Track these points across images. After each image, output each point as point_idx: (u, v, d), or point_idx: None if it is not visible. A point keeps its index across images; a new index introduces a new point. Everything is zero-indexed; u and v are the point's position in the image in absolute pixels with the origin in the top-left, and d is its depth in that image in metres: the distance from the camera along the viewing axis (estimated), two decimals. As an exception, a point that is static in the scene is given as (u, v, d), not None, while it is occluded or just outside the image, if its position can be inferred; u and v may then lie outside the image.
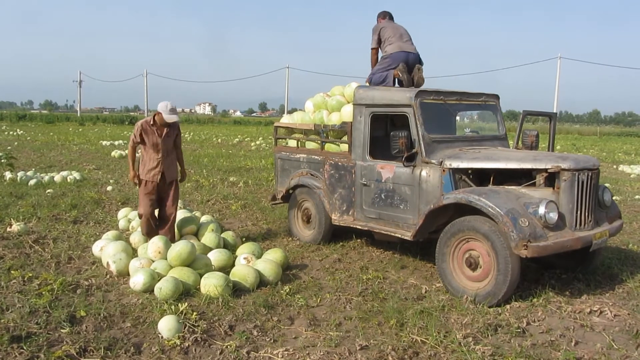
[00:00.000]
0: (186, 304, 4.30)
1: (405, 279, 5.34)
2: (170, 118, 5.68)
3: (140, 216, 5.94)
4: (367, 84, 6.23)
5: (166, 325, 3.90)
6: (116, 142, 22.37)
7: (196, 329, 3.96)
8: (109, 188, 10.25)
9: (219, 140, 26.66)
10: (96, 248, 5.78)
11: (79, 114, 60.41)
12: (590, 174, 4.80)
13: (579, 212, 4.74)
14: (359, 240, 6.68)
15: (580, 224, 4.76)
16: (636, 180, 13.70)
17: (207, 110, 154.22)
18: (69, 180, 10.92)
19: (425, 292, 4.96)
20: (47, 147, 20.06)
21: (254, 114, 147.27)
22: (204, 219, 6.82)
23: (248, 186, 11.10)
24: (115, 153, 16.77)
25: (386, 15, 6.42)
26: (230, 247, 6.03)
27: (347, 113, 6.14)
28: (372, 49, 6.35)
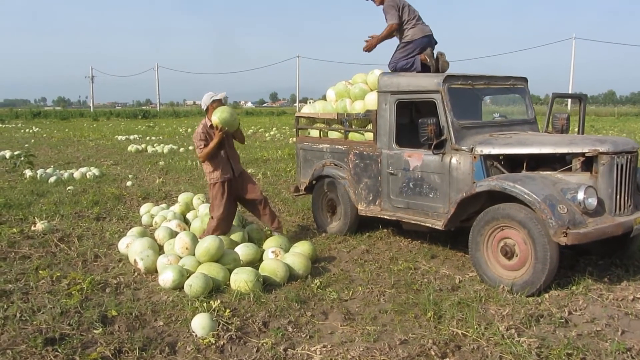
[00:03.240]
0: (218, 301, 4.23)
1: (437, 269, 5.22)
2: (219, 96, 5.76)
3: (211, 220, 5.76)
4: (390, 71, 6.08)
5: (200, 324, 3.83)
6: (131, 137, 22.40)
7: (230, 327, 3.88)
8: (129, 183, 10.22)
9: (233, 131, 26.58)
10: (122, 245, 5.73)
11: (92, 110, 60.79)
12: (629, 157, 4.63)
13: (618, 196, 4.58)
14: (385, 230, 6.56)
15: (620, 209, 4.60)
16: (661, 160, 13.39)
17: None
18: (88, 176, 10.92)
19: (460, 282, 4.84)
20: (64, 143, 20.13)
21: (265, 105, 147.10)
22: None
23: (267, 178, 11.01)
24: (131, 148, 16.75)
25: None
26: (256, 241, 5.95)
27: (371, 101, 6.00)
28: (392, 24, 5.82)
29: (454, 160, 5.12)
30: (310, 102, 8.62)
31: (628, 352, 3.47)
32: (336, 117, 6.35)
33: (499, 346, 3.55)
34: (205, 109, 5.73)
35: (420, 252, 5.79)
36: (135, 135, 23.30)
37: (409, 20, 5.88)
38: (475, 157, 5.00)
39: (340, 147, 6.35)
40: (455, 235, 5.90)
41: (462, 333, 3.75)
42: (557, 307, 4.18)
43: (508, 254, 4.61)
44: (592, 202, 4.38)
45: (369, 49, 6.11)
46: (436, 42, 6.03)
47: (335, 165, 6.44)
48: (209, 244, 4.94)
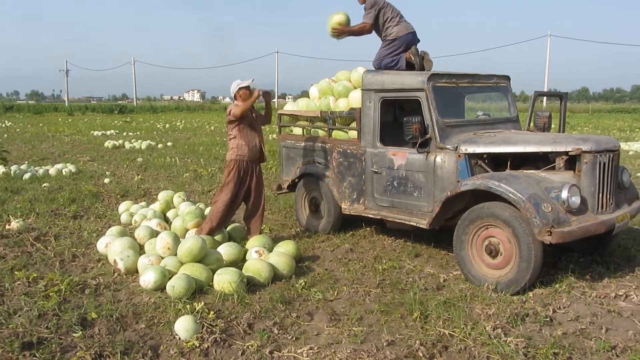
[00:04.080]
0: (202, 302, 4.15)
1: (421, 268, 5.21)
2: (243, 84, 5.69)
3: (215, 204, 5.75)
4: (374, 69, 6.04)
5: (183, 326, 3.75)
6: (108, 132, 22.01)
7: (214, 329, 3.81)
8: (106, 180, 10.01)
9: (212, 127, 26.35)
10: (101, 245, 5.59)
11: (66, 104, 59.58)
12: (611, 156, 4.67)
13: (600, 194, 4.62)
14: (368, 228, 6.54)
15: (602, 207, 4.64)
16: (635, 157, 13.65)
17: (196, 97, 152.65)
18: (64, 173, 10.68)
19: (444, 281, 4.84)
20: (38, 138, 19.69)
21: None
22: (208, 211, 6.64)
23: (248, 174, 10.89)
24: (108, 143, 16.46)
25: None
26: (238, 241, 5.88)
27: (355, 99, 5.95)
28: (366, 23, 5.87)
29: (438, 159, 5.11)
30: (289, 99, 8.61)
31: (613, 350, 3.49)
32: (320, 115, 6.29)
33: (486, 346, 3.54)
34: (233, 96, 5.75)
35: (404, 250, 5.78)
36: (112, 131, 22.92)
37: (392, 18, 5.88)
38: (459, 156, 4.99)
39: (323, 145, 6.29)
40: (438, 234, 5.91)
41: (449, 333, 3.74)
42: (541, 306, 4.20)
43: (492, 252, 4.62)
44: (576, 200, 4.41)
45: (338, 33, 6.03)
46: (419, 40, 6.02)
47: (319, 163, 6.39)
48: (191, 244, 4.85)
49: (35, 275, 4.92)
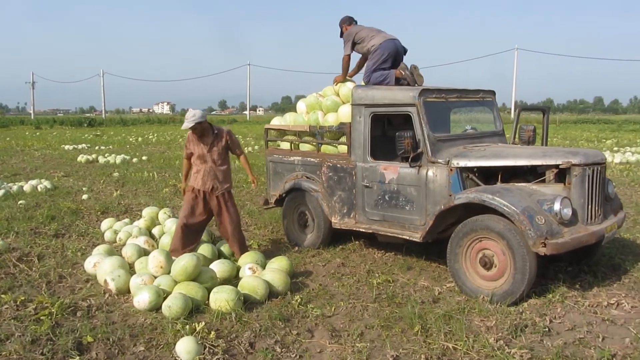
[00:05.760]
0: (203, 323, 4.07)
1: (415, 281, 5.25)
2: (184, 126, 5.59)
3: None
4: (363, 83, 6.10)
5: (185, 348, 3.68)
6: (79, 146, 21.56)
7: (216, 349, 3.75)
8: (85, 197, 9.79)
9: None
10: (89, 264, 5.45)
11: (32, 117, 58.22)
12: (598, 168, 4.81)
13: (590, 206, 4.74)
14: (357, 242, 6.55)
15: (592, 218, 4.77)
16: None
17: (166, 109, 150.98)
18: (39, 189, 10.40)
19: (439, 294, 4.88)
20: (7, 153, 19.14)
21: (214, 112, 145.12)
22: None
23: (229, 189, 10.80)
24: (81, 158, 16.11)
25: (352, 21, 6.41)
26: (230, 257, 5.81)
27: (344, 114, 5.99)
28: (346, 55, 6.28)
29: (430, 173, 5.17)
30: (259, 110, 8.64)
31: (614, 359, 3.57)
32: (308, 130, 6.30)
33: (491, 358, 3.59)
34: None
35: (396, 264, 5.81)
36: (83, 145, 22.45)
37: (368, 35, 6.10)
38: (451, 170, 5.06)
39: (312, 159, 6.30)
40: (428, 246, 5.95)
41: (452, 347, 3.76)
42: (538, 316, 4.27)
43: (487, 264, 4.68)
44: (568, 212, 4.52)
45: (337, 82, 6.49)
46: (406, 50, 6.13)
47: (307, 178, 6.38)
48: (186, 262, 4.77)
49: (22, 298, 4.75)
